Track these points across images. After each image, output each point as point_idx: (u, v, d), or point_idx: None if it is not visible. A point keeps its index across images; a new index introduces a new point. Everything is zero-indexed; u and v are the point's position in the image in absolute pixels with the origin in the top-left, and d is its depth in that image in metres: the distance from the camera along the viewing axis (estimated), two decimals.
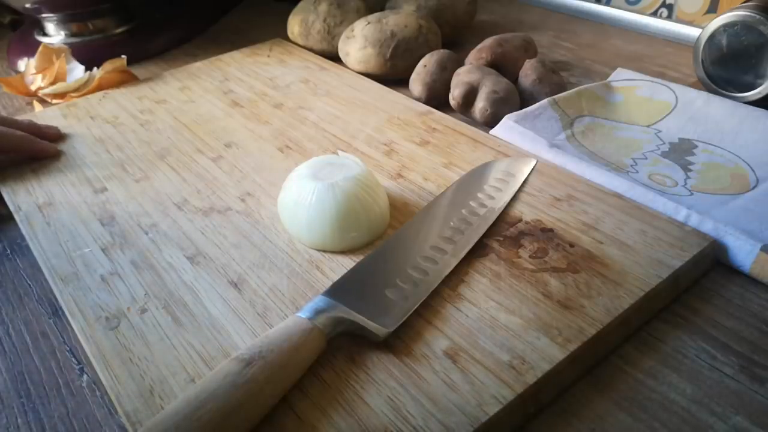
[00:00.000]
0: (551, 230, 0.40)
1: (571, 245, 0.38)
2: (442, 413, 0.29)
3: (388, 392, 0.30)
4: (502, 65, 0.61)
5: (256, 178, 0.48)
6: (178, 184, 0.48)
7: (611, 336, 0.34)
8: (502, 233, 0.40)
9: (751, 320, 0.36)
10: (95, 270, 0.40)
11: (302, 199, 0.40)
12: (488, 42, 0.62)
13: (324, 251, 0.40)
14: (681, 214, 0.41)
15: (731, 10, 0.54)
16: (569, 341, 0.32)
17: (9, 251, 0.46)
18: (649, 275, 0.36)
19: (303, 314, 0.32)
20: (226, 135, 0.55)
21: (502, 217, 0.41)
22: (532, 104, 0.55)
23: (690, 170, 0.48)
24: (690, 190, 0.46)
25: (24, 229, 0.45)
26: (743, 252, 0.38)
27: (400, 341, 0.33)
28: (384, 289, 0.35)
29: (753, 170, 0.47)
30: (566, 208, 0.42)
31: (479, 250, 0.39)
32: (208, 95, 0.63)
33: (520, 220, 0.41)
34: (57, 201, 0.47)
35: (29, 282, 0.43)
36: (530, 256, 0.38)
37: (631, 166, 0.49)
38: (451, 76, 0.58)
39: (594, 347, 0.33)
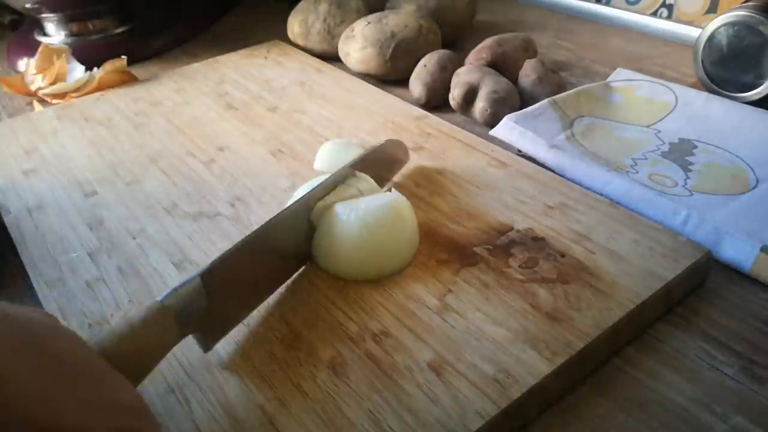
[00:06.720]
0: (543, 239, 0.39)
1: (562, 255, 0.38)
2: (423, 428, 0.28)
3: (369, 405, 0.30)
4: (502, 65, 0.60)
5: (246, 183, 0.48)
6: (169, 188, 0.48)
7: (600, 349, 0.33)
8: (492, 242, 0.39)
9: (751, 320, 0.35)
10: (81, 275, 0.39)
11: (331, 227, 0.37)
12: (488, 42, 0.62)
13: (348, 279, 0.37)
14: (681, 214, 0.40)
15: (731, 10, 0.53)
16: (556, 355, 0.31)
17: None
18: (640, 287, 0.35)
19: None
20: (219, 138, 0.54)
21: (494, 226, 0.41)
22: (532, 104, 0.54)
23: (690, 170, 0.47)
24: (690, 191, 0.45)
25: (12, 233, 0.44)
26: (743, 252, 0.38)
27: (383, 352, 0.32)
28: None
29: (753, 170, 0.47)
30: (559, 216, 0.41)
31: (468, 259, 0.38)
32: (204, 97, 0.62)
33: (512, 229, 0.40)
34: (47, 204, 0.47)
35: (28, 282, 0.42)
36: (520, 266, 0.37)
37: (631, 166, 0.48)
38: (451, 76, 0.58)
39: (581, 361, 0.32)
